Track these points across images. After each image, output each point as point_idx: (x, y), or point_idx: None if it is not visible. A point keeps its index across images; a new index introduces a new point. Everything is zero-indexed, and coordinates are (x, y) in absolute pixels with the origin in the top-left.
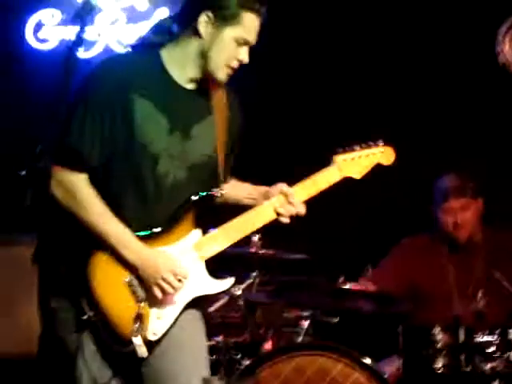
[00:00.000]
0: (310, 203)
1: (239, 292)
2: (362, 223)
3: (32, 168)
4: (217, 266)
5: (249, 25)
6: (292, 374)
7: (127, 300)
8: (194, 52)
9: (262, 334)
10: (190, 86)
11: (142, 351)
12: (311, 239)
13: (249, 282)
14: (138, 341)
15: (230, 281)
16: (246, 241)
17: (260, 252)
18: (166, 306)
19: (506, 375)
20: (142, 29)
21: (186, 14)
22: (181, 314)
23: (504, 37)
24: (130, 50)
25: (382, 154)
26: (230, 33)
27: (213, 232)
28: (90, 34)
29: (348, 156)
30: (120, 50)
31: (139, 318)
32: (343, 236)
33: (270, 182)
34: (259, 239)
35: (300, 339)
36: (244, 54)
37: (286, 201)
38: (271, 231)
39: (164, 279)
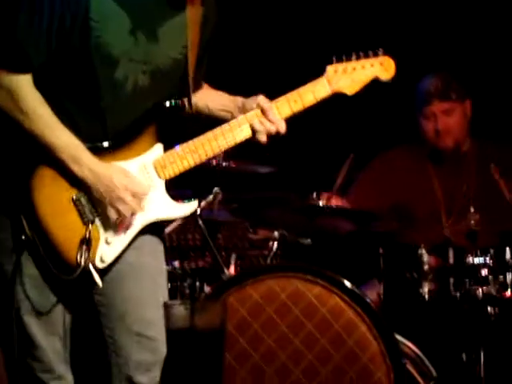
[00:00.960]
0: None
1: (199, 210)
2: (336, 133)
3: None
4: (172, 180)
5: None
6: (262, 300)
7: (74, 221)
8: None
9: (224, 257)
10: None
11: (95, 279)
12: (279, 149)
13: (209, 198)
14: (90, 268)
15: (194, 204)
16: None
17: (222, 164)
18: (117, 229)
19: (500, 300)
20: None
21: None
22: (135, 238)
23: None
24: None
25: (380, 67)
26: None
27: (177, 148)
28: None
29: (340, 67)
30: None
31: (86, 241)
32: (315, 147)
33: (250, 94)
34: (222, 152)
35: (268, 262)
36: None
37: (264, 116)
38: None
39: (120, 199)
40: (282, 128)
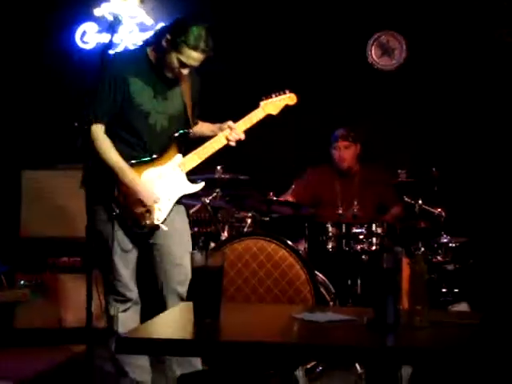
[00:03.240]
0: (251, 145)
1: (208, 201)
2: (285, 155)
3: (79, 122)
4: (191, 171)
5: (190, 57)
6: (243, 251)
7: (140, 202)
8: (161, 54)
9: (221, 227)
10: (164, 68)
11: (162, 227)
12: (251, 165)
13: (214, 194)
14: (155, 222)
15: (201, 184)
16: (212, 169)
17: (221, 176)
18: (164, 202)
19: (369, 252)
20: (148, 36)
21: (161, 31)
22: (173, 207)
23: (371, 45)
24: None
25: (289, 98)
26: (174, 55)
27: (189, 155)
28: (116, 39)
29: (268, 101)
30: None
31: (149, 211)
32: (274, 163)
33: (223, 120)
34: (221, 168)
35: (245, 230)
36: (184, 71)
37: (232, 131)
38: (229, 162)
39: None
40: (242, 136)
